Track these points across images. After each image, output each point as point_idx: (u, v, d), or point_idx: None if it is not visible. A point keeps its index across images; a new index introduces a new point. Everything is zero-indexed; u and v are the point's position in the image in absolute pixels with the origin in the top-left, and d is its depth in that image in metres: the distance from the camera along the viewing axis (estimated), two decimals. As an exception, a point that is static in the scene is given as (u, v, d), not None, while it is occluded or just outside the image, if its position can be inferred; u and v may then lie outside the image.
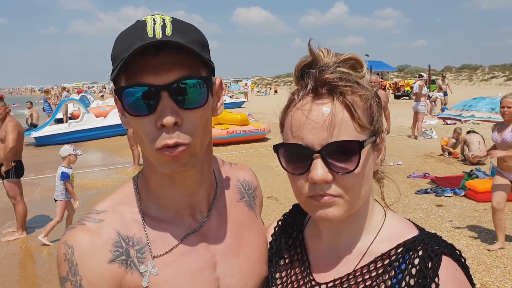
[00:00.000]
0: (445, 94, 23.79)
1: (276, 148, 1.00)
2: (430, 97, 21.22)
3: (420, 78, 15.81)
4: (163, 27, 0.91)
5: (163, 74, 0.90)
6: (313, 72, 0.97)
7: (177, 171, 0.97)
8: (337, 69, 0.97)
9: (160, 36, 0.89)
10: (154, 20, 0.93)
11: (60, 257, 0.98)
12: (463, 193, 7.92)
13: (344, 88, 0.93)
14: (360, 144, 0.91)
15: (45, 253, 6.32)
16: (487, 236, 6.05)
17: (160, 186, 1.08)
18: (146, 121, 0.93)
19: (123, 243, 1.01)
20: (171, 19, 0.95)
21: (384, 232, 1.03)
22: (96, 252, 0.97)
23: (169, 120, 0.90)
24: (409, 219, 1.08)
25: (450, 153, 11.48)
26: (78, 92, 35.14)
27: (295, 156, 0.95)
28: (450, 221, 6.68)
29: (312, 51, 0.99)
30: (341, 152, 0.90)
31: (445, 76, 27.94)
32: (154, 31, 0.90)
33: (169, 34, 0.90)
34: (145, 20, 0.94)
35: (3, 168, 6.77)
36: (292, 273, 1.12)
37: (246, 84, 59.51)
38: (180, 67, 0.91)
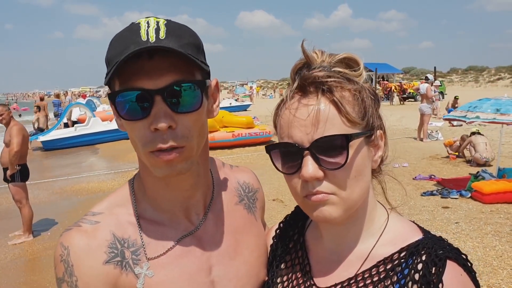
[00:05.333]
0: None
1: (268, 149, 0.99)
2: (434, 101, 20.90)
3: (426, 81, 15.72)
4: (157, 30, 0.91)
5: (156, 78, 0.89)
6: (303, 71, 0.96)
7: (171, 175, 0.96)
8: (330, 68, 0.95)
9: (154, 40, 0.89)
10: (148, 23, 0.93)
11: (57, 258, 0.99)
12: (469, 195, 7.85)
13: (332, 84, 0.92)
14: (347, 138, 0.89)
15: (51, 256, 6.31)
16: (493, 237, 5.99)
17: (156, 189, 1.07)
18: (140, 125, 0.92)
19: (118, 244, 1.01)
20: (165, 22, 0.95)
21: (387, 235, 1.01)
22: (92, 253, 0.98)
23: (163, 124, 0.89)
24: (414, 221, 1.06)
25: (448, 155, 11.34)
26: (83, 97, 35.31)
27: (287, 155, 0.95)
28: (456, 223, 6.62)
29: (305, 52, 0.97)
30: (330, 148, 0.89)
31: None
32: (147, 34, 0.90)
33: (163, 38, 0.90)
34: (139, 23, 0.93)
35: (8, 172, 6.81)
36: (293, 277, 1.11)
37: (251, 87, 59.41)
38: (174, 71, 0.91)
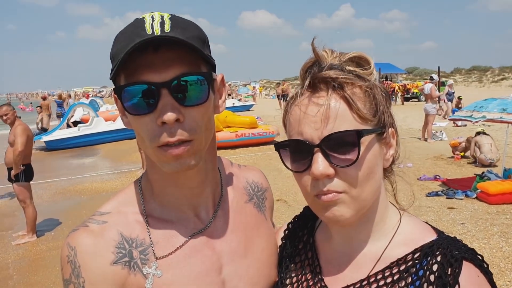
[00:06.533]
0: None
1: (278, 147, 0.97)
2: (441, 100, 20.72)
3: (431, 81, 15.66)
4: (162, 23, 0.90)
5: (162, 71, 0.88)
6: (313, 70, 0.94)
7: (180, 170, 0.94)
8: (340, 67, 0.94)
9: (159, 33, 0.87)
10: (152, 17, 0.91)
11: (63, 259, 0.97)
12: (475, 195, 7.80)
13: (343, 81, 0.90)
14: (358, 134, 0.87)
15: (55, 256, 6.32)
16: (500, 238, 5.95)
17: (164, 187, 1.05)
18: (147, 119, 0.91)
19: (126, 244, 0.99)
20: (170, 16, 0.94)
21: (400, 236, 0.98)
22: (99, 254, 0.96)
23: (170, 116, 0.88)
24: (427, 222, 1.03)
25: (453, 156, 11.28)
26: (86, 97, 35.47)
27: (297, 153, 0.93)
28: (462, 223, 6.59)
29: (315, 51, 0.96)
30: (341, 144, 0.87)
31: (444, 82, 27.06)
32: (152, 28, 0.88)
33: (168, 31, 0.89)
34: (143, 18, 0.92)
35: (13, 172, 6.83)
36: (303, 279, 1.08)
37: (254, 87, 59.40)
38: (180, 64, 0.89)
